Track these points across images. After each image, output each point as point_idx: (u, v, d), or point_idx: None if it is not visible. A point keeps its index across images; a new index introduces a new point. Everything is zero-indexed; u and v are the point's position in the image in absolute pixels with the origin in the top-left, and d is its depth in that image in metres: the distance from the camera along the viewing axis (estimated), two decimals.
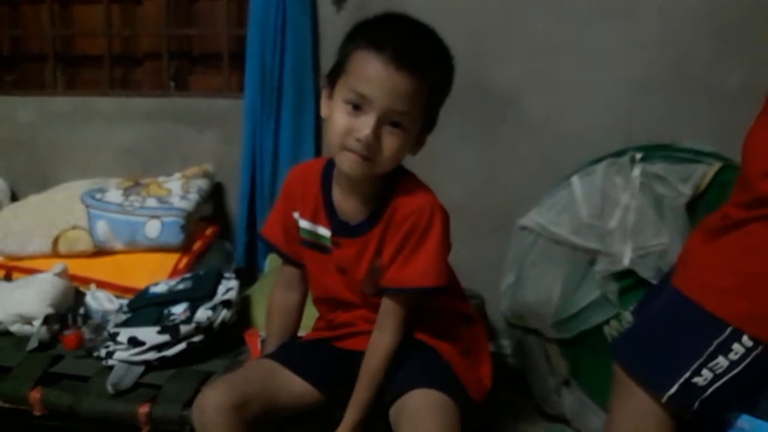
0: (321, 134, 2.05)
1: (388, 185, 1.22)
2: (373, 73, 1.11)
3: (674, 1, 1.84)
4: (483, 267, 1.91)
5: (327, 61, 1.26)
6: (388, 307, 1.23)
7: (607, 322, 1.64)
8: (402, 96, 1.11)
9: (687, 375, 1.10)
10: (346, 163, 1.15)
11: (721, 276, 1.10)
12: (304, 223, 1.30)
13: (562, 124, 1.94)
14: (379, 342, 1.23)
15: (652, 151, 1.73)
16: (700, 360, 1.09)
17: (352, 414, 1.22)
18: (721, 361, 1.08)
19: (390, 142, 1.14)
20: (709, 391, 1.10)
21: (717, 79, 1.83)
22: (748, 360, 1.08)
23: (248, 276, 1.99)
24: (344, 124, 1.13)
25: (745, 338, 1.07)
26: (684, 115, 1.86)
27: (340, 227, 1.26)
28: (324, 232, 1.28)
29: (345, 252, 1.26)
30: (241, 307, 1.72)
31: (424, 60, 1.13)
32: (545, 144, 1.95)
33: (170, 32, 2.19)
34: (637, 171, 1.69)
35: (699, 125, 1.85)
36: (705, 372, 1.09)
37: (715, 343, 1.08)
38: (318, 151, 2.07)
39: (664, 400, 1.12)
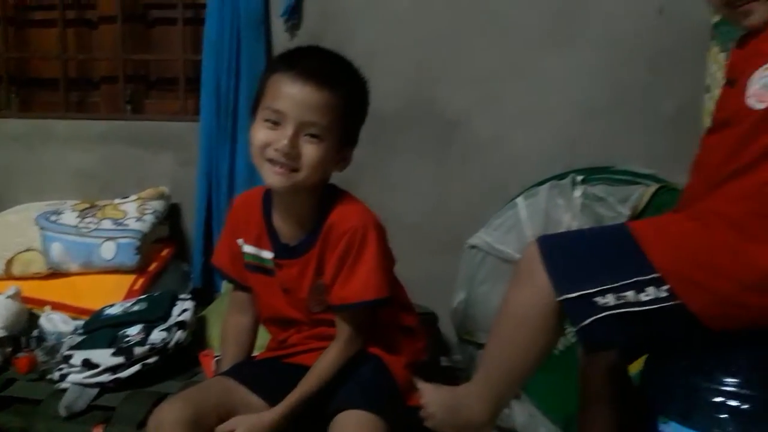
0: None
1: (322, 205, 1.28)
2: (285, 89, 1.19)
3: (613, 31, 1.92)
4: (435, 284, 1.94)
5: None
6: (339, 324, 1.28)
7: None
8: (314, 108, 1.19)
9: (592, 290, 1.10)
10: (270, 175, 1.21)
11: (671, 235, 1.12)
12: (248, 248, 1.34)
13: (508, 147, 2.01)
14: (333, 347, 1.28)
15: (592, 174, 1.81)
16: (613, 285, 1.09)
17: (288, 404, 1.24)
18: (630, 296, 1.09)
19: (309, 150, 1.20)
20: (603, 314, 1.10)
21: (652, 105, 1.92)
22: (653, 306, 1.08)
23: (206, 296, 2.00)
24: (263, 137, 1.21)
25: (663, 287, 1.08)
26: (623, 139, 1.94)
27: (281, 250, 1.31)
28: (267, 255, 1.32)
29: (287, 273, 1.31)
30: (197, 328, 1.73)
31: (331, 76, 1.21)
32: (493, 166, 2.02)
33: (126, 56, 2.20)
34: (578, 192, 1.76)
35: (637, 149, 1.93)
36: (609, 296, 1.09)
37: (635, 279, 1.09)
38: None
39: (559, 298, 1.11)
